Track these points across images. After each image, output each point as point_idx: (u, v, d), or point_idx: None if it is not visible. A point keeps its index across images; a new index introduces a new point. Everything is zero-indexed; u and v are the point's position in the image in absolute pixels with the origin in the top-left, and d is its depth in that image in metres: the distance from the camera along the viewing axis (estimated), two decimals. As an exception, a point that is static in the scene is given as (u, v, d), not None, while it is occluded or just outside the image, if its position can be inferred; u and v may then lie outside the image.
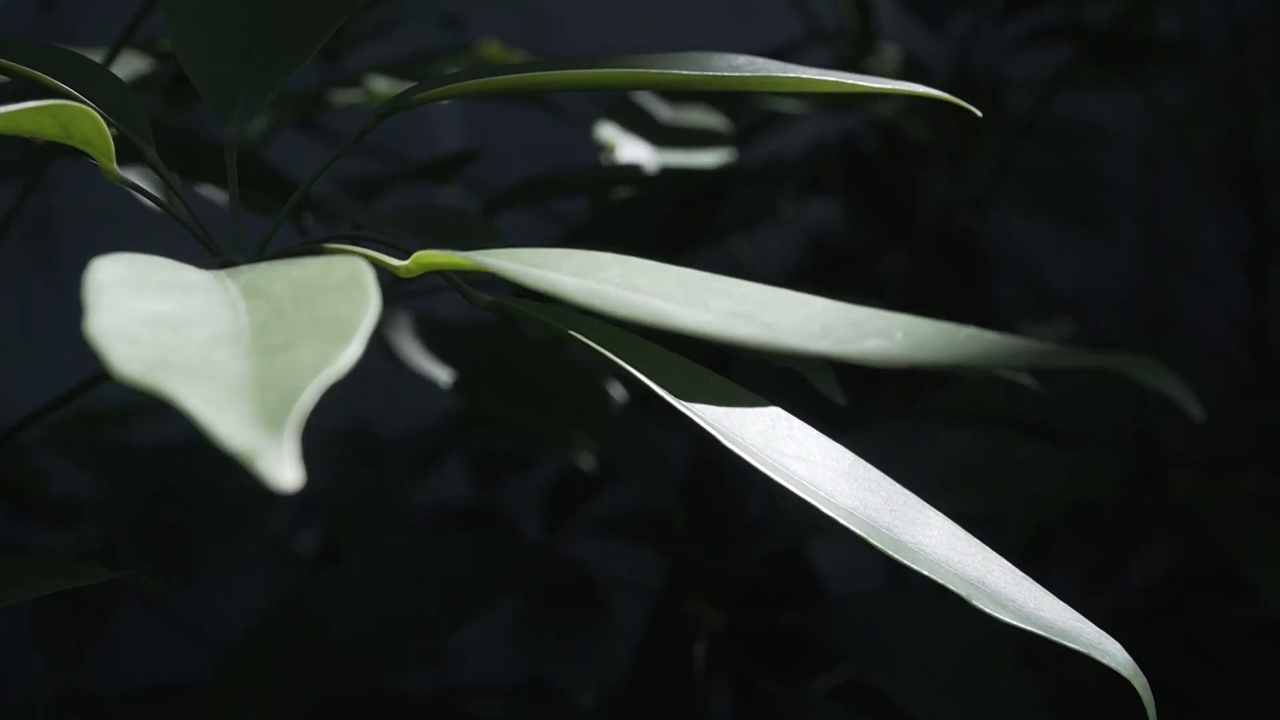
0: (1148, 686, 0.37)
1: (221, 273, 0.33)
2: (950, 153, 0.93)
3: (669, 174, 0.69)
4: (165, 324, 0.28)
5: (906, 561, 0.35)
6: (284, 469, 0.25)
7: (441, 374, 0.67)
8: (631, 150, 0.67)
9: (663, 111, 0.74)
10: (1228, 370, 0.98)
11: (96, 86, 0.43)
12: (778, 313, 0.33)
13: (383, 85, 0.72)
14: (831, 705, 0.71)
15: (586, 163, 0.75)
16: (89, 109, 0.36)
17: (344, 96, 0.73)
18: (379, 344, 0.70)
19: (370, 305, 0.29)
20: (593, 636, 0.72)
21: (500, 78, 0.43)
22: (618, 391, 0.70)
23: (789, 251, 1.08)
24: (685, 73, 0.42)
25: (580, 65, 0.43)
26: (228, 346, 0.28)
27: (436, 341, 0.69)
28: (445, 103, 1.14)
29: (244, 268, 0.34)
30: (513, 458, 0.96)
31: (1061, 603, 0.38)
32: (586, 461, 0.86)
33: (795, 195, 0.94)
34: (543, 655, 0.71)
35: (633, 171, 0.68)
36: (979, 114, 0.43)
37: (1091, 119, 1.11)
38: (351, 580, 0.69)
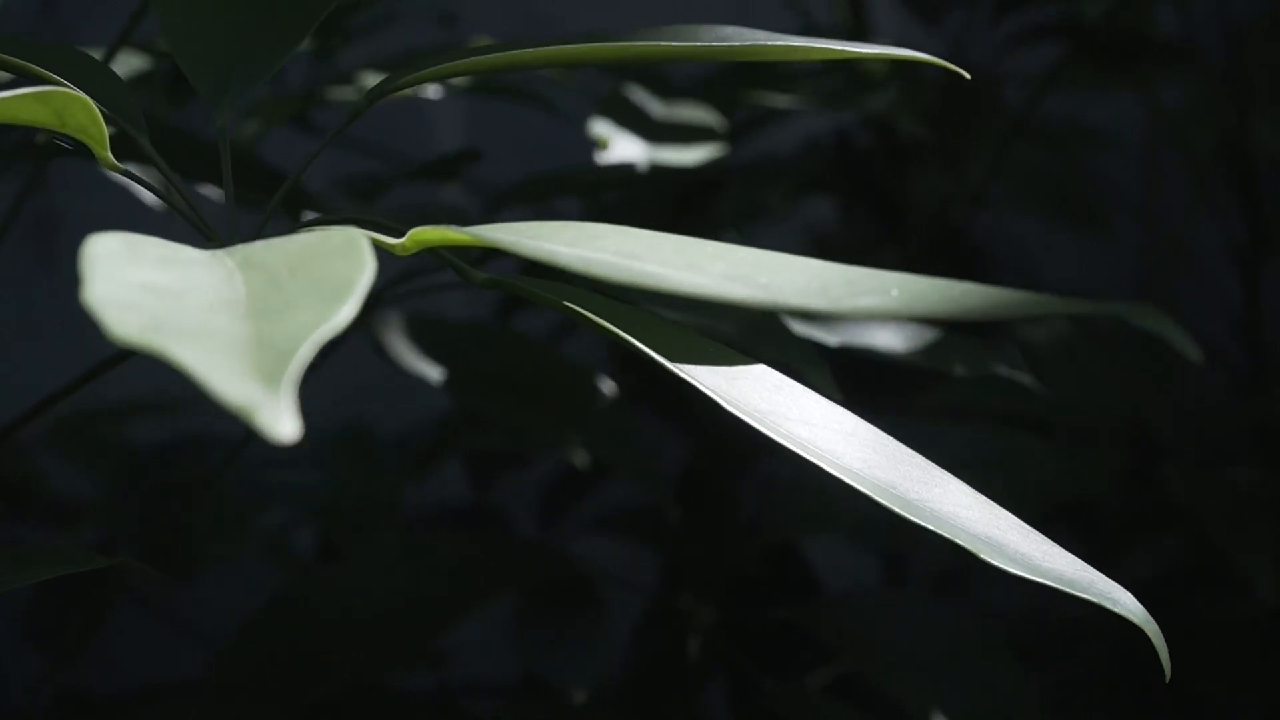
0: (1160, 633, 0.37)
1: (218, 250, 0.33)
2: (944, 150, 0.93)
3: (665, 173, 0.69)
4: (162, 292, 0.28)
5: (914, 518, 0.35)
6: (283, 421, 0.25)
7: (433, 373, 0.67)
8: (624, 146, 0.67)
9: (656, 108, 0.74)
10: (1223, 368, 0.98)
11: (91, 80, 0.43)
12: (773, 274, 0.33)
13: (376, 81, 0.72)
14: (827, 700, 0.71)
15: (585, 162, 0.75)
16: (83, 97, 0.36)
17: (338, 94, 0.73)
18: (372, 344, 0.70)
19: (366, 266, 0.29)
20: (587, 633, 0.72)
21: (487, 56, 0.43)
22: (610, 388, 0.70)
23: (785, 249, 1.08)
24: (674, 44, 0.41)
25: (570, 41, 0.43)
26: (225, 312, 0.28)
27: (429, 341, 0.69)
28: (447, 105, 1.14)
29: (240, 246, 0.34)
30: (507, 456, 0.96)
31: (1070, 555, 0.37)
32: (581, 459, 0.86)
33: (789, 193, 0.95)
34: (538, 652, 0.72)
35: (630, 170, 0.68)
36: (967, 75, 0.43)
37: (1089, 119, 1.11)
38: (347, 578, 0.70)
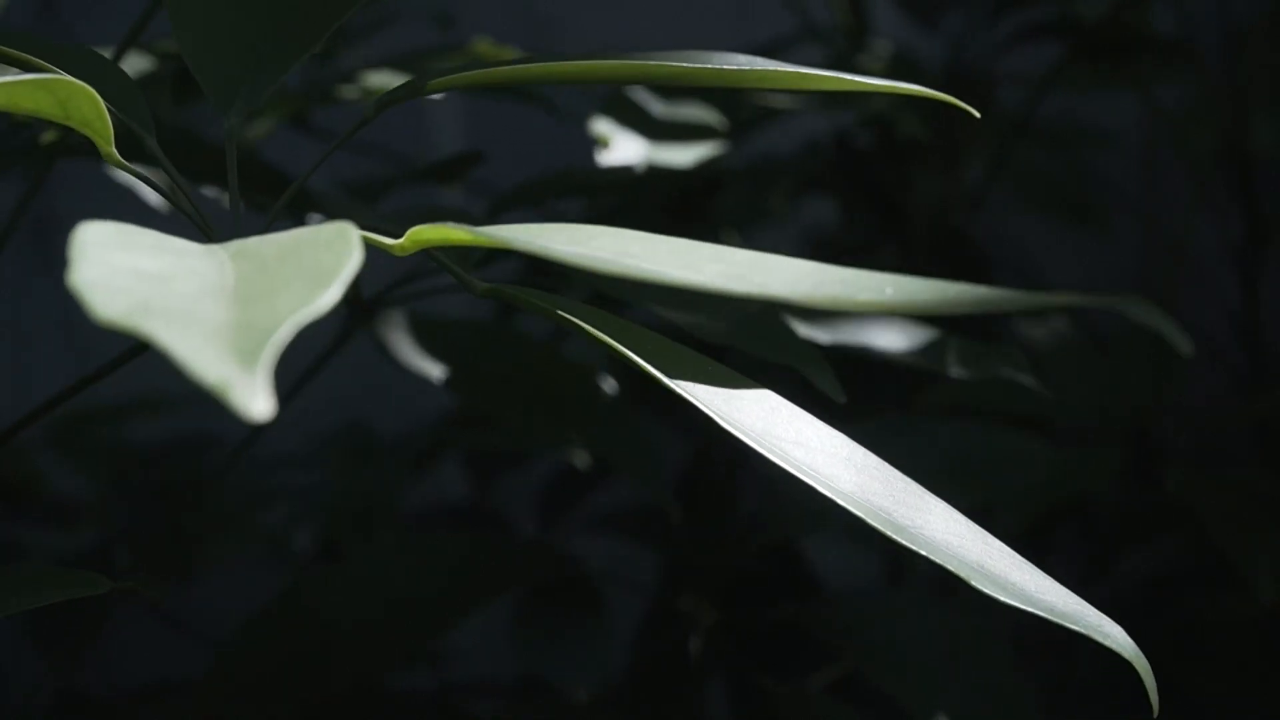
0: (1149, 669, 0.37)
1: (213, 245, 0.33)
2: (944, 150, 0.93)
3: (666, 174, 0.69)
4: (151, 277, 0.28)
5: (907, 544, 0.35)
6: (256, 399, 0.25)
7: (435, 371, 0.67)
8: (625, 145, 0.67)
9: (657, 107, 0.74)
10: (1223, 367, 0.99)
11: (98, 77, 0.43)
12: (768, 274, 0.33)
13: (379, 81, 0.72)
14: (827, 701, 0.71)
15: (587, 163, 0.75)
16: (88, 88, 0.36)
17: (341, 94, 0.73)
18: (374, 343, 0.70)
19: (352, 254, 0.29)
20: (588, 632, 0.72)
21: (498, 69, 0.43)
22: (612, 388, 0.70)
23: (786, 250, 1.08)
24: (684, 65, 0.42)
25: (577, 58, 0.43)
26: (212, 298, 0.28)
27: (431, 340, 0.69)
28: (447, 105, 1.14)
29: (238, 240, 0.34)
30: (508, 455, 0.96)
31: (1062, 586, 0.38)
32: (581, 459, 0.86)
33: (789, 193, 0.95)
34: (538, 652, 0.72)
35: (631, 171, 0.68)
36: (976, 114, 0.44)
37: (1089, 119, 1.11)
38: (347, 578, 0.69)
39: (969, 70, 0.94)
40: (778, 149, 0.99)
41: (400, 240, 0.37)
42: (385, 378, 0.85)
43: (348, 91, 0.73)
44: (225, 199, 0.52)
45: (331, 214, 0.59)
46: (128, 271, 0.28)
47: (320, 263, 0.29)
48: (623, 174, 0.70)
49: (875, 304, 0.34)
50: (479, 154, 0.78)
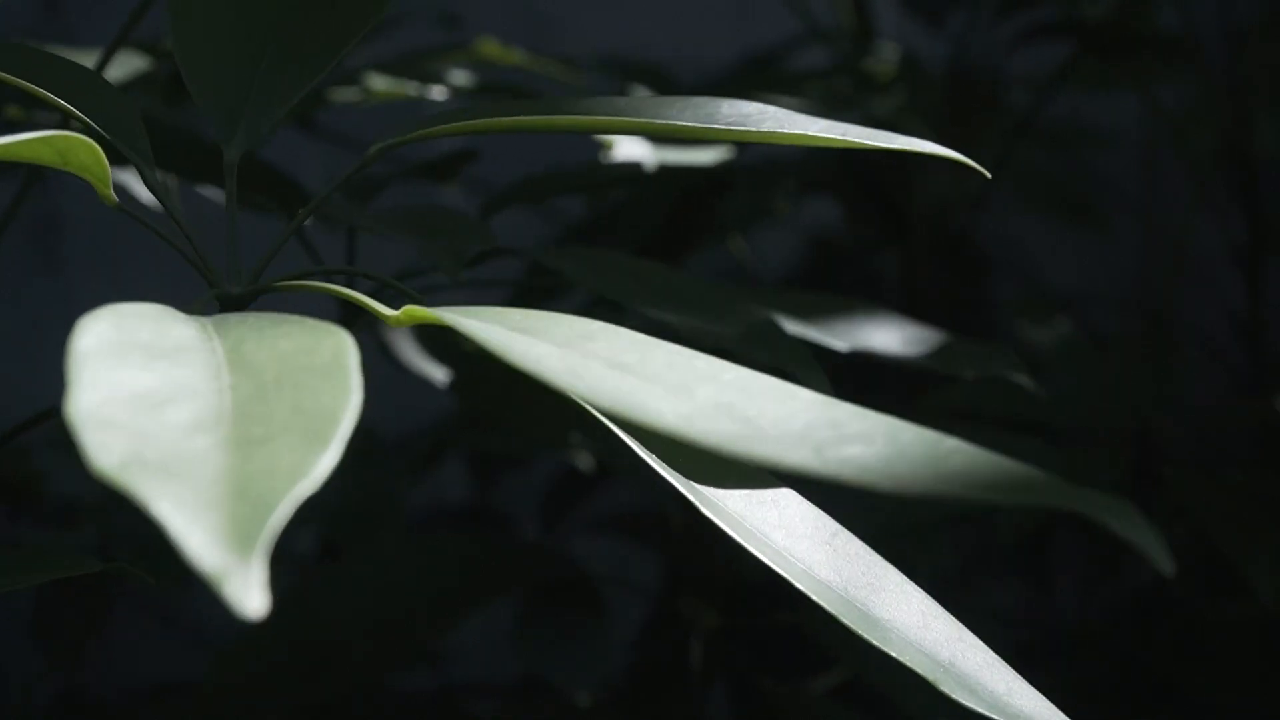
0: None
1: (209, 326, 0.33)
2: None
3: (667, 173, 0.69)
4: (145, 404, 0.28)
5: (876, 642, 0.35)
6: (251, 595, 0.24)
7: (439, 374, 0.67)
8: (629, 147, 0.67)
9: (660, 110, 0.74)
10: (1225, 368, 0.98)
11: (90, 96, 0.43)
12: (761, 405, 0.32)
13: (380, 83, 0.72)
14: (828, 704, 0.71)
15: (585, 161, 0.75)
16: (87, 141, 0.36)
17: (342, 95, 0.73)
18: (377, 345, 0.70)
19: (351, 398, 0.29)
20: (589, 634, 0.72)
21: (498, 120, 0.43)
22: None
23: (788, 252, 1.08)
24: (690, 124, 0.41)
25: (583, 111, 0.43)
26: (207, 433, 0.27)
27: (434, 342, 0.69)
28: (445, 102, 1.14)
29: (234, 321, 0.33)
30: (510, 457, 0.96)
31: (1033, 689, 0.37)
32: (583, 461, 0.86)
33: (793, 195, 0.95)
34: (538, 652, 0.71)
35: (631, 170, 0.68)
36: (989, 175, 0.43)
37: (1090, 119, 1.11)
38: (349, 579, 0.70)
39: (973, 70, 0.94)
40: (780, 150, 0.99)
41: (397, 314, 0.36)
42: (386, 379, 0.85)
43: (348, 93, 0.73)
44: (224, 198, 0.52)
45: (327, 216, 0.59)
46: (121, 401, 0.27)
47: (319, 404, 0.28)
48: (620, 172, 0.70)
49: (860, 468, 0.32)
50: (474, 152, 0.78)
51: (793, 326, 0.55)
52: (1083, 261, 1.19)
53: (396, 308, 0.37)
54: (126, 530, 0.92)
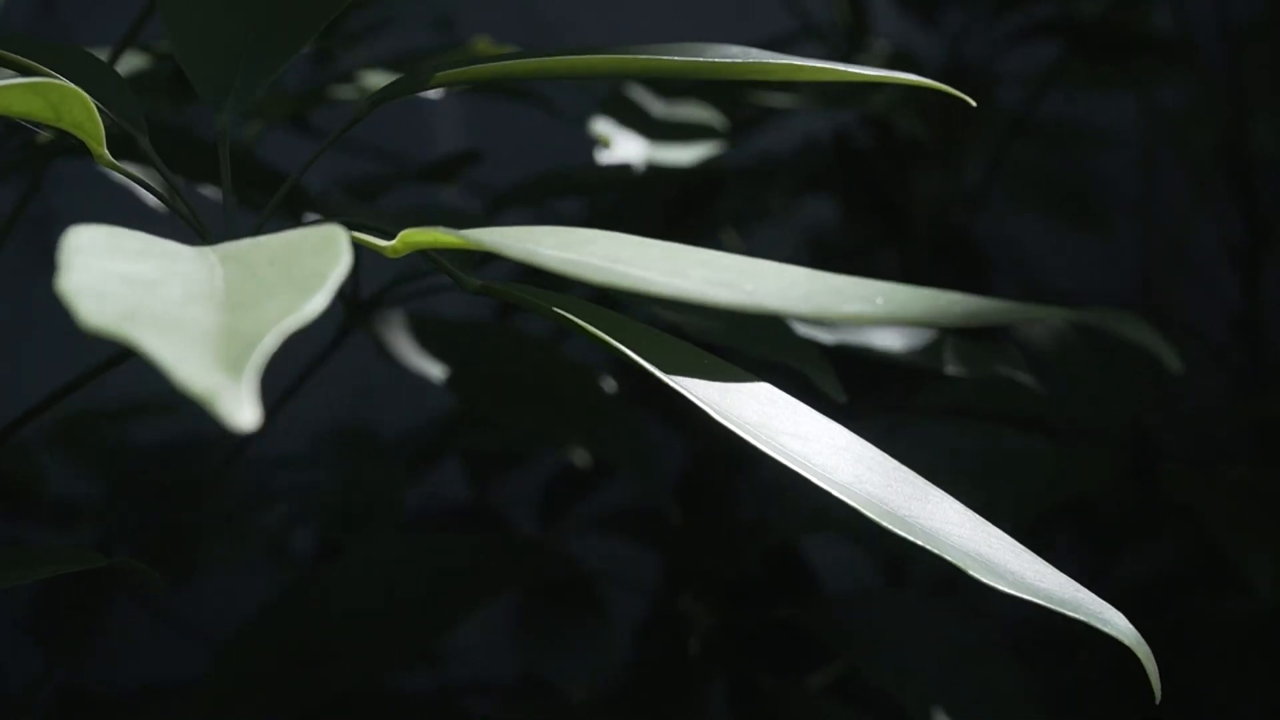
0: (1151, 655, 0.37)
1: (205, 247, 0.33)
2: (944, 150, 0.93)
3: (665, 173, 0.69)
4: (139, 282, 0.28)
5: (903, 534, 0.35)
6: (242, 409, 0.25)
7: (435, 371, 0.67)
8: (626, 144, 0.67)
9: (656, 107, 0.74)
10: (1223, 366, 0.99)
11: (90, 78, 0.43)
12: (757, 281, 0.33)
13: (376, 81, 0.72)
14: (827, 700, 0.71)
15: (585, 163, 0.75)
16: (79, 91, 0.36)
17: (338, 94, 0.73)
18: (374, 343, 0.70)
19: (341, 260, 0.29)
20: (588, 632, 0.72)
21: (493, 65, 0.43)
22: (611, 387, 0.70)
23: (784, 250, 1.08)
24: (678, 59, 0.42)
25: (573, 52, 0.43)
26: (201, 304, 0.28)
27: (431, 339, 0.69)
28: (446, 105, 1.14)
29: (228, 242, 0.34)
30: (508, 455, 0.96)
31: (1061, 574, 0.37)
32: (582, 458, 0.86)
33: (789, 193, 0.95)
34: (538, 651, 0.72)
35: (630, 170, 0.68)
36: (973, 103, 0.43)
37: (1089, 119, 1.11)
38: (347, 577, 0.70)
39: (968, 69, 0.94)
40: (777, 148, 0.99)
41: (392, 242, 0.37)
42: (385, 377, 0.85)
43: (345, 92, 0.73)
44: (220, 196, 0.52)
45: (328, 213, 0.59)
46: (116, 277, 0.28)
47: (309, 268, 0.29)
48: (620, 173, 0.70)
49: (863, 316, 0.34)
50: (476, 153, 0.78)
51: (793, 323, 0.55)
52: (1082, 260, 1.19)
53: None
54: (127, 530, 0.93)
